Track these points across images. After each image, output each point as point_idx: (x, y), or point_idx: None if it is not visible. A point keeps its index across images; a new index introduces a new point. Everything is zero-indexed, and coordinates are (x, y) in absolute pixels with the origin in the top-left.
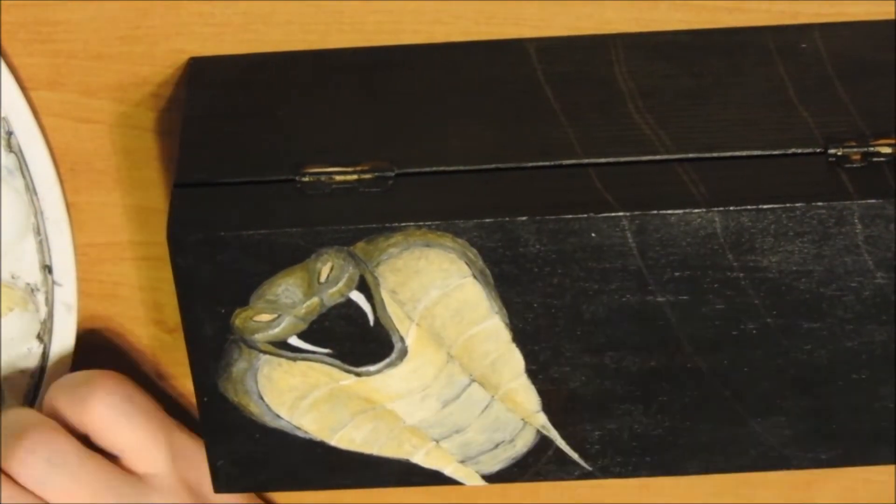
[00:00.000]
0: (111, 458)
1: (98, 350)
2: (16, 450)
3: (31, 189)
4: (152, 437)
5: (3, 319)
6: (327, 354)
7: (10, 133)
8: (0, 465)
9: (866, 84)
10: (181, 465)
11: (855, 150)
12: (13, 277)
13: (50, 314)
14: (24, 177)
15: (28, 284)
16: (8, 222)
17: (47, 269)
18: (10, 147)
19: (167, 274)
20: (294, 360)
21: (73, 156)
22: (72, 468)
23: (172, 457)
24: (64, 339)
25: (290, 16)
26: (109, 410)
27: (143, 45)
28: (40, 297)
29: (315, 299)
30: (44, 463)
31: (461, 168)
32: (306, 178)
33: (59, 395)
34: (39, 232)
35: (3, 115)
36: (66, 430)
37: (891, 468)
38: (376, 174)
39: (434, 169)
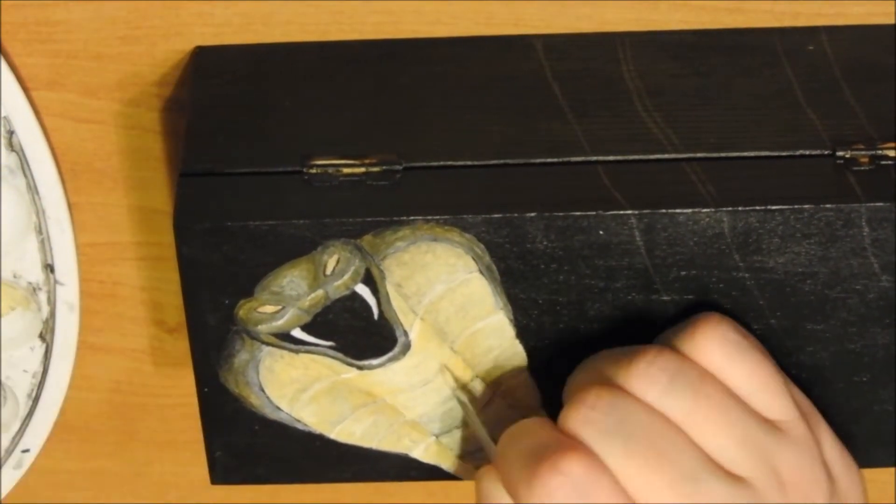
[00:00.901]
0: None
1: (98, 350)
2: (636, 366)
3: (32, 188)
4: (774, 379)
5: (4, 319)
6: (330, 347)
7: (11, 132)
8: (620, 383)
9: (873, 87)
10: (804, 415)
11: (863, 153)
12: (15, 276)
13: (52, 313)
14: (25, 176)
15: (30, 283)
16: (10, 221)
17: (49, 268)
18: (11, 146)
19: (168, 274)
20: (296, 352)
21: (74, 156)
22: (694, 386)
23: (796, 404)
24: (66, 339)
25: (290, 16)
26: (723, 346)
27: (144, 45)
28: (42, 297)
29: (320, 291)
30: (666, 376)
31: (469, 163)
32: (314, 170)
33: (666, 336)
34: (41, 231)
35: (4, 114)
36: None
37: (891, 468)
38: (384, 167)
39: (442, 163)
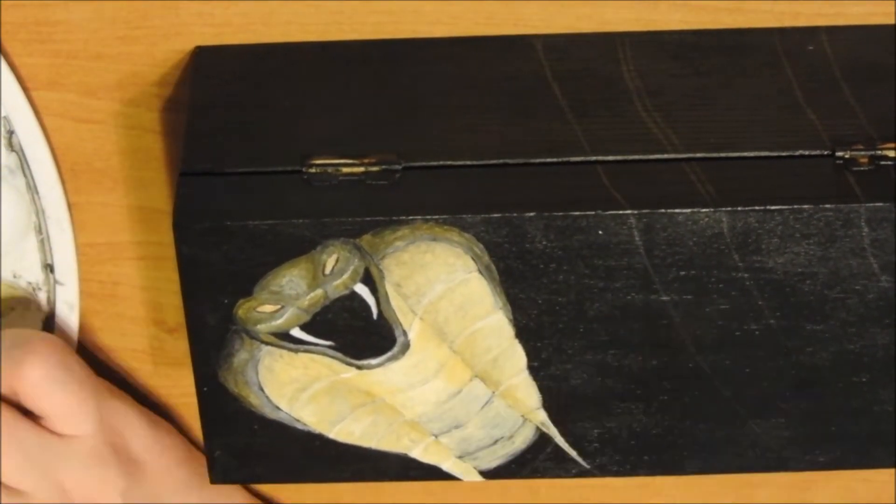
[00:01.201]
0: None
1: (98, 350)
2: None
3: (32, 188)
4: (82, 401)
5: (4, 319)
6: (329, 347)
7: (11, 132)
8: None
9: (873, 87)
10: (109, 429)
11: (862, 153)
12: (15, 276)
13: (52, 313)
14: (25, 176)
15: (30, 283)
16: (9, 221)
17: (49, 268)
18: (11, 146)
19: (168, 274)
20: (296, 351)
21: (74, 156)
22: None
23: (100, 421)
24: (66, 338)
25: (290, 16)
26: (43, 375)
27: (143, 45)
28: (42, 297)
29: (319, 291)
30: None
31: (469, 163)
32: (313, 170)
33: None
34: (41, 231)
35: (4, 114)
36: None
37: (891, 468)
38: (383, 167)
39: (441, 163)
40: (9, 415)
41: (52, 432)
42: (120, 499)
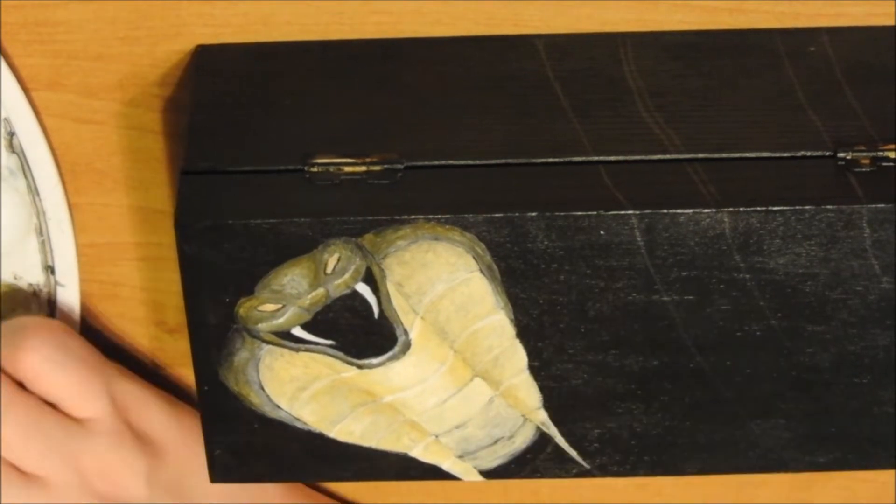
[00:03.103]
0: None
1: (99, 350)
2: None
3: (33, 190)
4: (88, 382)
5: (6, 320)
6: (330, 346)
7: (11, 134)
8: None
9: (874, 89)
10: (124, 409)
11: (864, 154)
12: (16, 278)
13: (52, 315)
14: (26, 177)
15: (31, 285)
16: (10, 223)
17: (50, 269)
18: (11, 148)
19: (168, 274)
20: (296, 350)
21: (74, 156)
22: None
23: (113, 402)
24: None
25: (291, 16)
26: (42, 358)
27: (144, 46)
28: (43, 298)
29: (321, 290)
30: None
31: (470, 162)
32: (315, 169)
33: None
34: (42, 232)
35: (4, 116)
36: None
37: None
38: (385, 166)
39: (443, 162)
40: (25, 400)
41: (68, 416)
42: (143, 481)
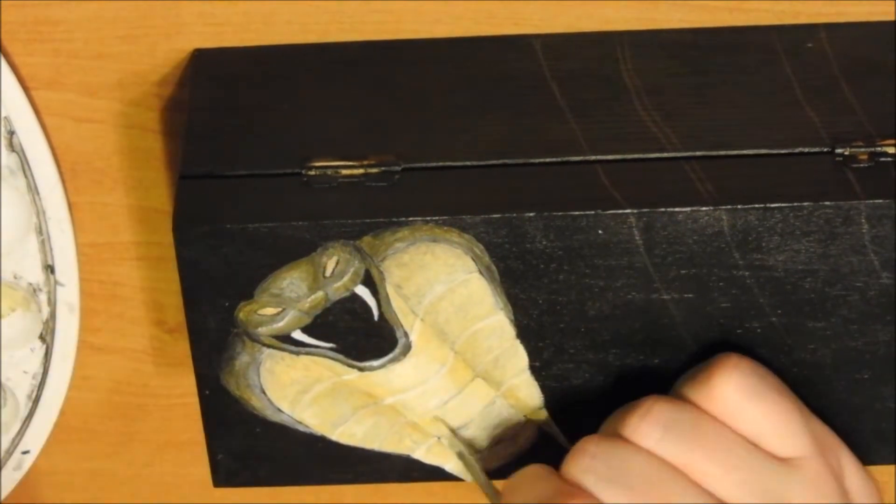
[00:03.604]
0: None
1: (98, 350)
2: (630, 416)
3: (33, 189)
4: (790, 417)
5: (5, 320)
6: (331, 349)
7: (11, 133)
8: (620, 433)
9: (872, 84)
10: (824, 451)
11: (862, 149)
12: (15, 277)
13: (52, 314)
14: (26, 176)
15: (30, 284)
16: (10, 222)
17: (49, 269)
18: (11, 147)
19: (168, 274)
20: (297, 354)
21: (74, 155)
22: (690, 432)
23: (814, 441)
24: (66, 340)
25: (291, 15)
26: (738, 391)
27: (144, 45)
28: (42, 298)
29: (320, 293)
30: (660, 429)
31: (468, 163)
32: (312, 172)
33: (683, 382)
34: (41, 232)
35: (4, 114)
36: (683, 402)
37: (891, 468)
38: (383, 168)
39: (441, 164)
40: (712, 421)
41: (771, 454)
42: None
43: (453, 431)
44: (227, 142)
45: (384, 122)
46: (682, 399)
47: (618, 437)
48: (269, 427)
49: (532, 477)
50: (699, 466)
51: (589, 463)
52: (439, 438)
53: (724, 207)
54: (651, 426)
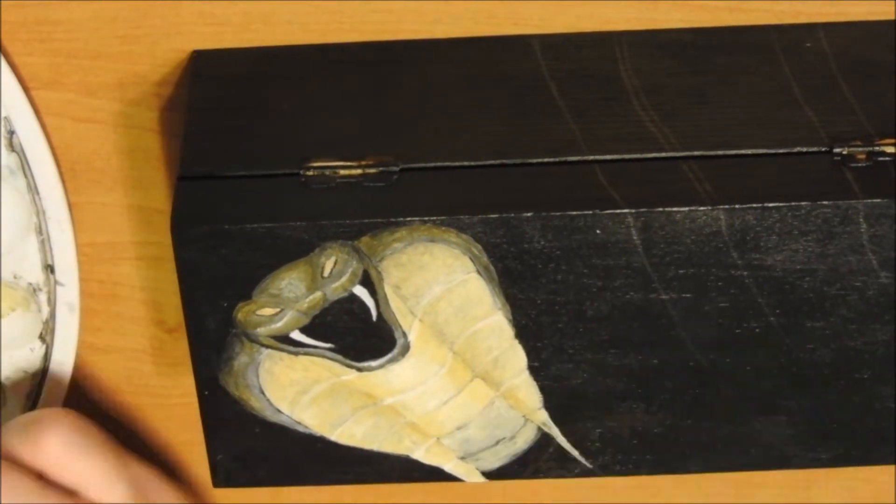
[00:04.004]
0: (69, 494)
1: (98, 350)
2: None
3: (32, 189)
4: (109, 469)
5: (5, 319)
6: (329, 349)
7: (11, 132)
8: None
9: (871, 84)
10: (142, 494)
11: (860, 149)
12: (15, 277)
13: (52, 314)
14: (26, 176)
15: (30, 284)
16: (10, 222)
17: (49, 268)
18: (11, 147)
19: (168, 274)
20: (296, 354)
21: (74, 155)
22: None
23: (132, 487)
24: (66, 340)
25: (291, 15)
26: (63, 446)
27: (144, 45)
28: (42, 297)
29: (318, 294)
30: None
31: (466, 164)
32: (311, 172)
33: (10, 436)
34: (41, 232)
35: (4, 114)
36: (21, 468)
37: (891, 468)
38: (381, 169)
39: (439, 164)
40: (50, 492)
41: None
42: None
43: None
44: (225, 142)
45: (382, 122)
46: (10, 453)
47: None
48: (269, 427)
49: None
50: None
51: None
52: (438, 438)
53: (722, 207)
54: None
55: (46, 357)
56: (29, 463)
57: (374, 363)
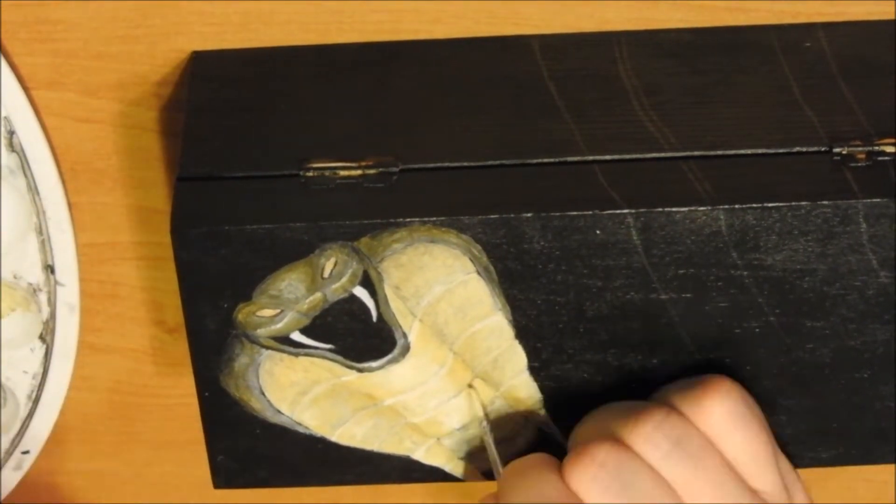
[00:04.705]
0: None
1: (98, 350)
2: (642, 425)
3: (33, 189)
4: (768, 453)
5: (5, 320)
6: (329, 350)
7: (11, 132)
8: (626, 441)
9: (870, 83)
10: (787, 494)
11: (860, 149)
12: (15, 277)
13: (52, 314)
14: (26, 176)
15: (30, 284)
16: (10, 222)
17: (49, 268)
18: (11, 147)
19: (168, 274)
20: (296, 355)
21: (74, 155)
22: (695, 456)
23: (782, 480)
24: (66, 340)
25: (290, 15)
26: (728, 415)
27: (144, 45)
28: (42, 298)
29: (318, 295)
30: (670, 443)
31: (465, 164)
32: (310, 173)
33: (672, 394)
34: (41, 232)
35: (4, 114)
36: (687, 422)
37: (891, 468)
38: (380, 169)
39: (438, 165)
40: (716, 452)
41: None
42: None
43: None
44: (224, 143)
45: (382, 122)
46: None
47: (624, 445)
48: (269, 428)
49: (533, 473)
50: (695, 490)
51: (596, 471)
52: (438, 439)
53: (721, 207)
54: (662, 439)
55: (47, 357)
56: (692, 423)
57: (374, 364)
